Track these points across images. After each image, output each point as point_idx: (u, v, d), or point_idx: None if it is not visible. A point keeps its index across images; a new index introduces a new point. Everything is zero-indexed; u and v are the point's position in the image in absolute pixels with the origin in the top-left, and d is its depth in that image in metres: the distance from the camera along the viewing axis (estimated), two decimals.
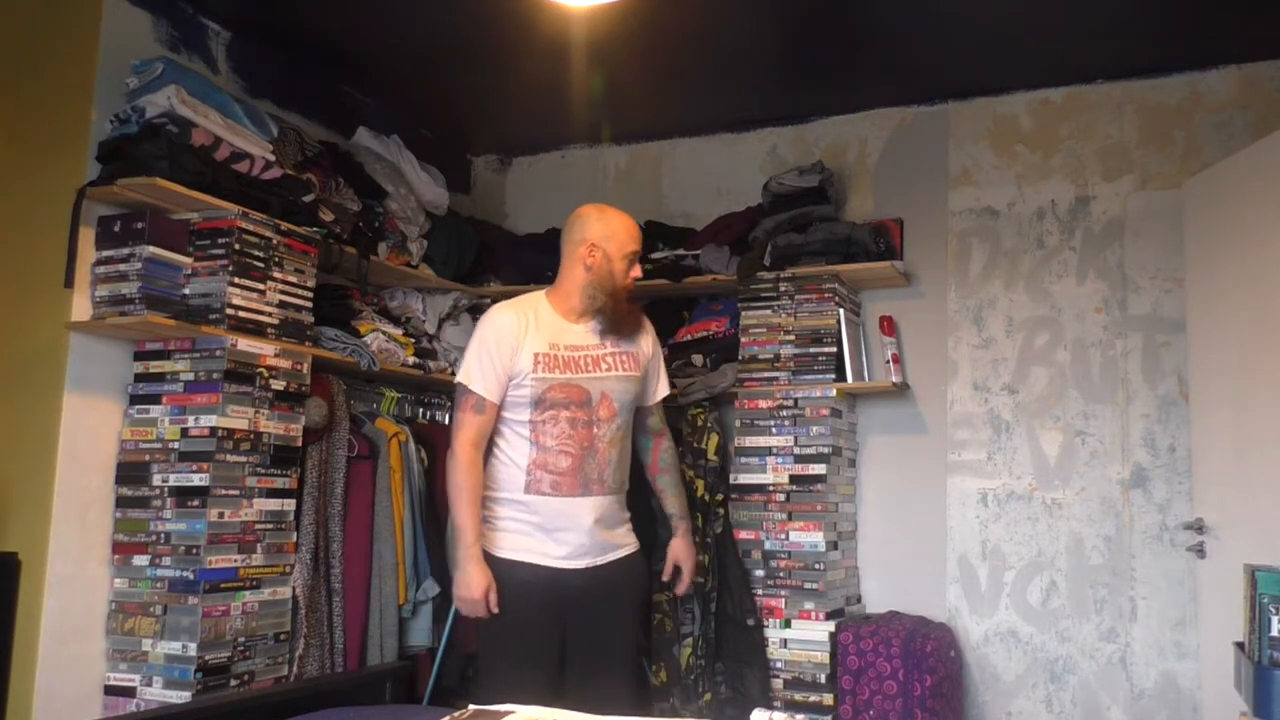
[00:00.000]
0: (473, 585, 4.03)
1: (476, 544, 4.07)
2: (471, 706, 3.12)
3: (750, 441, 5.57)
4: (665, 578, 4.60)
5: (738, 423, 5.63)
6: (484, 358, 4.16)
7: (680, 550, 4.57)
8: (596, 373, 4.22)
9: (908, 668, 5.00)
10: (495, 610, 4.04)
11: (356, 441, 5.10)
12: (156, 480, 4.45)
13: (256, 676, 4.48)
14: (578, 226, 4.34)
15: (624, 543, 4.31)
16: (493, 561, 4.11)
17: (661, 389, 4.60)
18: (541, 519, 4.12)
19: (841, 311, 5.59)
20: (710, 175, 6.53)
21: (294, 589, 4.70)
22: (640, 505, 4.68)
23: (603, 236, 4.29)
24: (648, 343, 4.48)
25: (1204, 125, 5.46)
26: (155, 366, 4.56)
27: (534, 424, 4.14)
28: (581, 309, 4.28)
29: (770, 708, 3.55)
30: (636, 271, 4.35)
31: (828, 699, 5.15)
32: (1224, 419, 4.91)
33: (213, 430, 4.40)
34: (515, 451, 4.17)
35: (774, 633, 5.30)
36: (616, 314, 4.29)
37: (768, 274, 5.69)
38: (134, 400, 4.57)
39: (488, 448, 4.22)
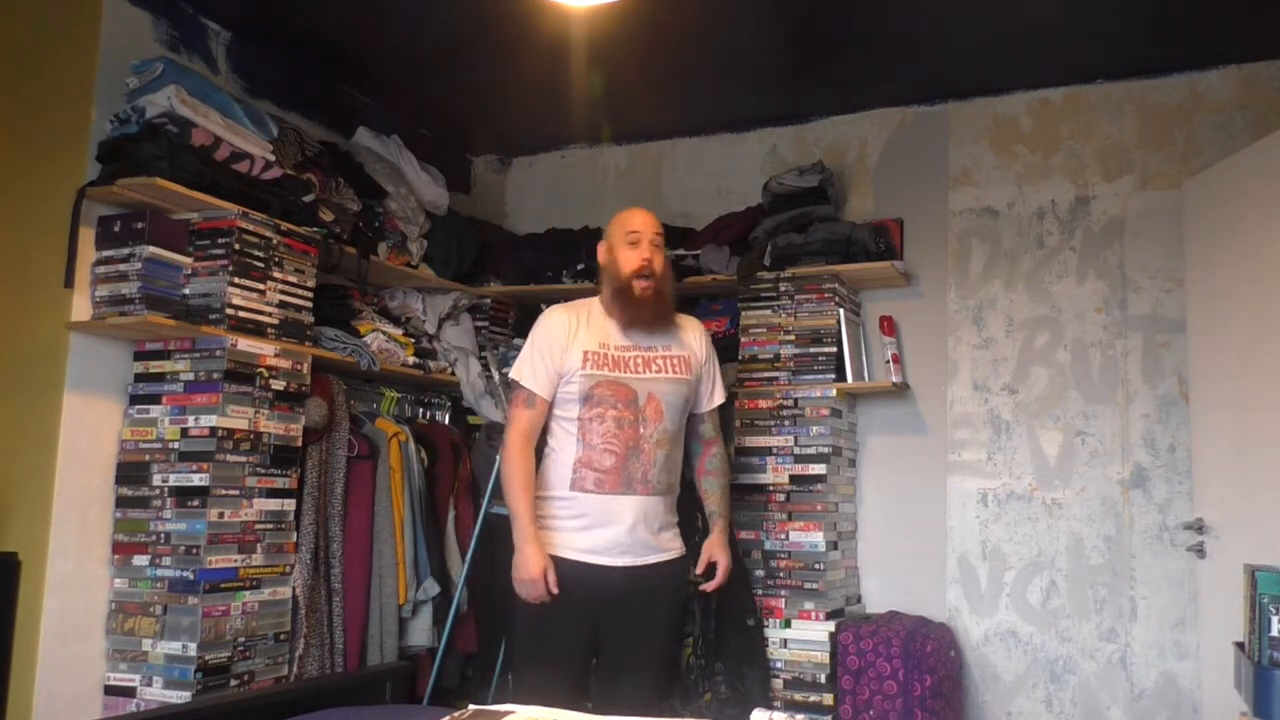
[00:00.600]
0: (531, 565, 4.04)
1: (532, 525, 4.10)
2: (472, 707, 3.12)
3: (750, 441, 5.57)
4: (699, 571, 4.57)
5: (738, 423, 5.62)
6: (536, 354, 4.24)
7: (716, 546, 4.56)
8: (646, 374, 4.23)
9: (908, 668, 5.00)
10: (555, 590, 4.04)
11: (356, 441, 5.10)
12: (156, 480, 4.45)
13: (256, 676, 4.49)
14: None
15: (668, 547, 4.30)
16: None
17: (715, 396, 4.57)
18: (583, 515, 4.15)
19: (841, 311, 5.58)
20: (710, 175, 6.54)
21: (294, 589, 4.70)
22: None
23: (607, 232, 4.40)
24: (699, 346, 4.48)
25: (1204, 125, 5.46)
26: (155, 366, 4.56)
27: (582, 421, 4.17)
28: (611, 308, 4.32)
29: (770, 708, 3.54)
30: (644, 252, 4.27)
31: (828, 699, 5.15)
32: (1224, 419, 4.91)
33: (213, 430, 4.40)
34: (563, 449, 4.21)
35: (774, 633, 5.31)
36: (627, 304, 4.26)
37: (768, 274, 5.69)
38: (134, 400, 4.57)
39: (541, 446, 4.28)
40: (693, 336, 4.47)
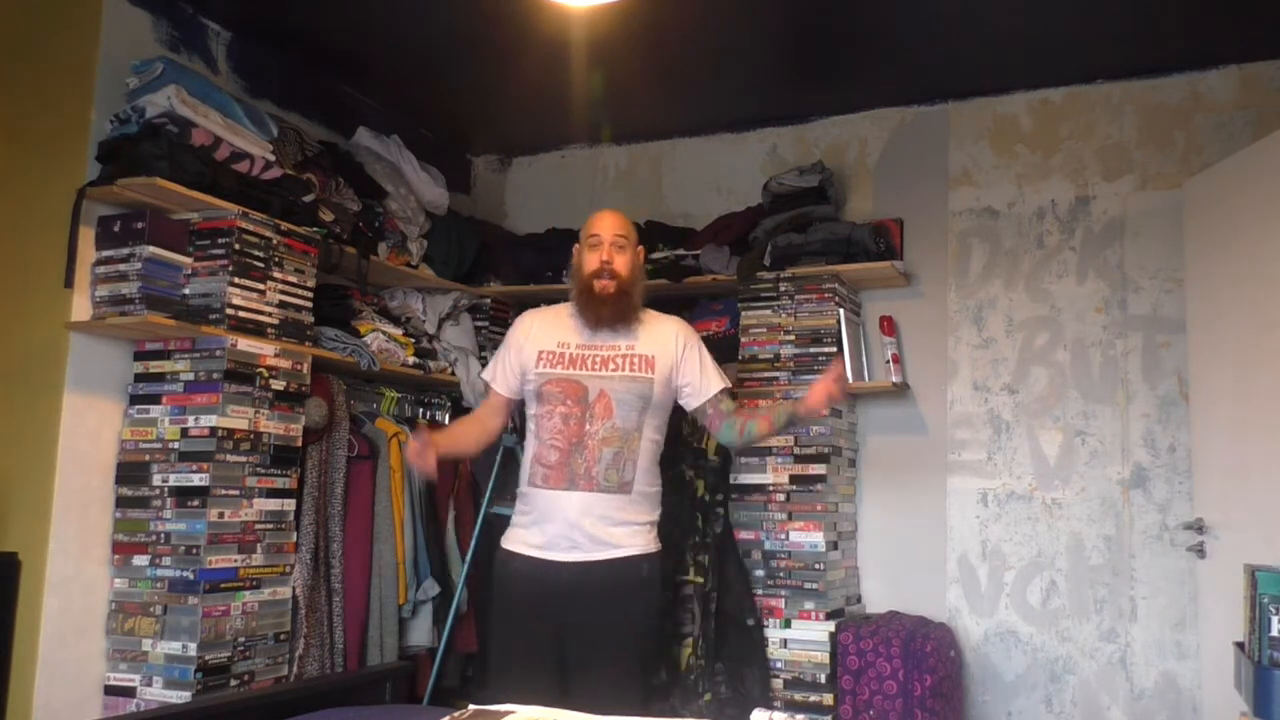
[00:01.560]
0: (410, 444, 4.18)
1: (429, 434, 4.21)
2: (471, 707, 3.12)
3: None
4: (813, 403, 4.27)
5: None
6: (500, 353, 4.43)
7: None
8: (602, 371, 4.22)
9: (908, 668, 4.99)
10: (431, 466, 4.13)
11: (356, 441, 5.11)
12: (156, 480, 4.45)
13: (256, 676, 4.49)
14: None
15: (625, 543, 4.20)
16: (499, 555, 4.29)
17: (709, 384, 4.41)
18: (533, 510, 4.19)
19: (841, 311, 5.58)
20: (710, 175, 6.53)
21: (294, 589, 4.70)
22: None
23: (580, 237, 4.44)
24: (672, 343, 4.37)
25: (1204, 125, 5.45)
26: (155, 366, 4.56)
27: (537, 418, 4.23)
28: (575, 309, 4.36)
29: (770, 708, 3.53)
30: (603, 253, 4.28)
31: (828, 699, 5.15)
32: (1224, 419, 4.91)
33: (213, 430, 4.40)
34: (529, 448, 4.27)
35: (774, 633, 5.30)
36: (588, 304, 4.29)
37: (768, 274, 5.69)
38: (134, 400, 4.57)
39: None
40: (665, 334, 4.39)
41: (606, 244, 4.29)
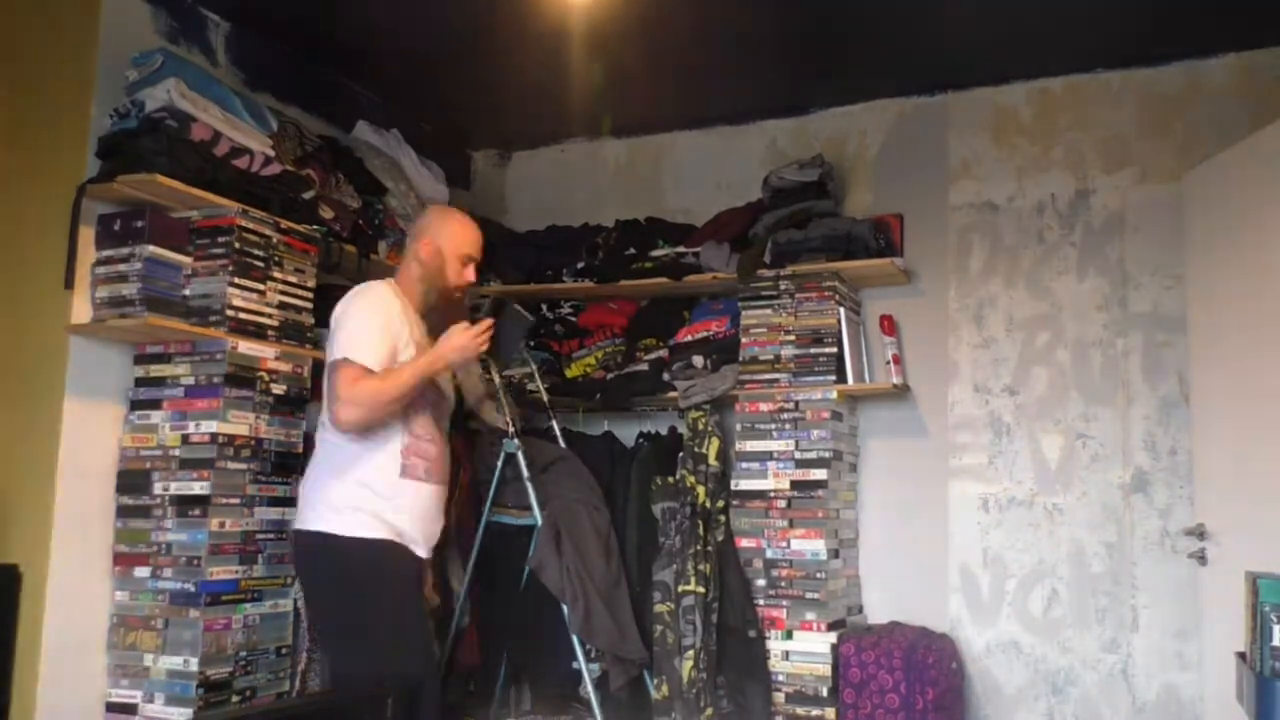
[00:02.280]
0: (454, 335, 4.10)
1: (420, 360, 4.05)
2: None
3: (751, 446, 5.53)
4: None
5: (738, 426, 5.60)
6: (376, 334, 4.00)
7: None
8: None
9: (910, 680, 4.97)
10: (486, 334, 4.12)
11: None
12: (157, 489, 4.41)
13: (258, 692, 4.44)
14: (421, 223, 4.45)
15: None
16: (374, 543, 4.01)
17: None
18: (412, 506, 4.10)
19: (842, 310, 5.55)
20: (710, 169, 6.48)
21: (295, 601, 4.64)
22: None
23: (440, 236, 4.33)
24: None
25: (1203, 115, 5.42)
26: (155, 370, 4.52)
27: (407, 415, 4.10)
28: (418, 304, 4.31)
29: None
30: (470, 275, 4.38)
31: (830, 713, 5.12)
32: (1225, 421, 4.89)
33: (213, 437, 4.36)
34: (388, 439, 4.06)
35: (776, 644, 5.28)
36: (439, 311, 4.34)
37: (768, 272, 5.66)
38: (134, 405, 4.52)
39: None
40: None
41: (473, 265, 4.41)
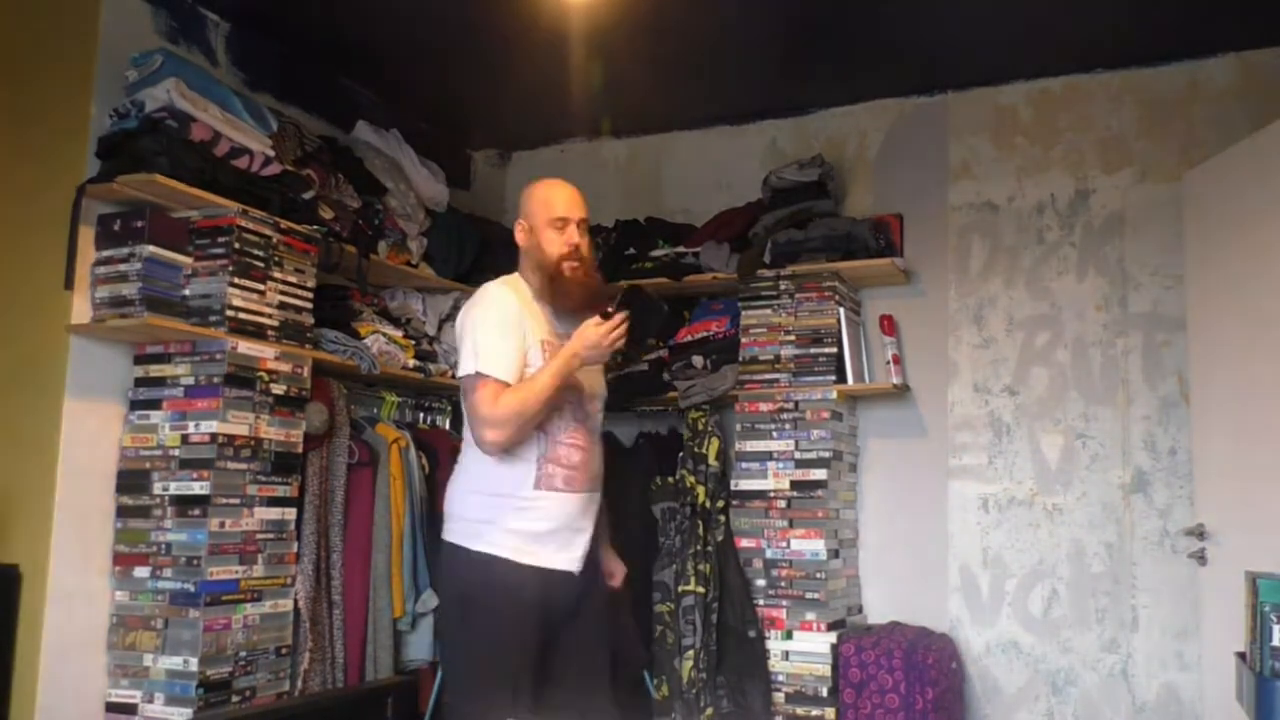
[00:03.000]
0: (589, 332, 3.72)
1: (554, 362, 3.72)
2: None
3: (751, 446, 5.54)
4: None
5: (738, 426, 5.60)
6: (503, 342, 3.75)
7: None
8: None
9: (909, 680, 4.96)
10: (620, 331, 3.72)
11: (357, 448, 5.03)
12: (157, 489, 4.39)
13: (258, 692, 4.43)
14: (519, 208, 4.10)
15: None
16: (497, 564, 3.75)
17: None
18: (551, 517, 3.80)
19: (842, 310, 5.56)
20: (710, 169, 6.48)
21: (296, 601, 4.64)
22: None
23: (527, 210, 4.02)
24: None
25: (1203, 115, 5.42)
26: (155, 370, 4.50)
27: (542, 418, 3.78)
28: (542, 292, 3.95)
29: None
30: (570, 238, 3.91)
31: (829, 713, 5.12)
32: (1225, 420, 4.88)
33: (213, 436, 4.34)
34: (522, 446, 3.80)
35: (775, 644, 5.28)
36: (556, 291, 3.93)
37: (768, 272, 5.67)
38: (134, 406, 4.51)
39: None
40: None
41: (574, 226, 3.94)
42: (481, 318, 3.80)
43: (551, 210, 3.93)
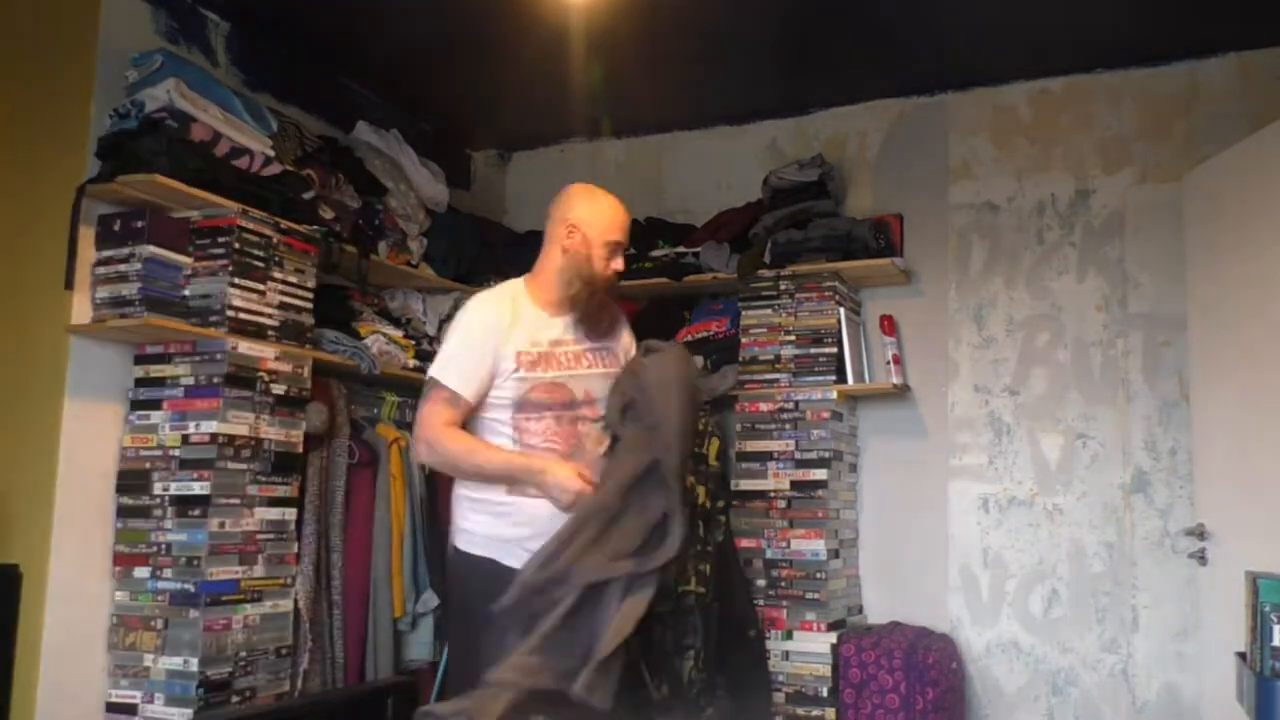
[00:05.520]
0: (561, 472, 3.55)
1: (526, 457, 3.67)
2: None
3: (751, 446, 5.54)
4: None
5: (738, 426, 5.60)
6: (465, 353, 3.74)
7: None
8: (578, 370, 3.83)
9: (910, 680, 4.96)
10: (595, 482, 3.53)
11: (357, 448, 5.04)
12: (157, 489, 4.40)
13: (258, 692, 4.43)
14: (562, 205, 4.01)
15: None
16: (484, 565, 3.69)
17: None
18: (525, 523, 3.66)
19: (842, 311, 5.56)
20: (710, 169, 6.47)
21: (296, 601, 4.64)
22: None
23: (585, 220, 3.89)
24: (628, 340, 4.10)
25: (1203, 115, 5.42)
26: (156, 371, 4.50)
27: (517, 424, 3.75)
28: (558, 298, 3.87)
29: None
30: (618, 264, 3.91)
31: (830, 714, 5.12)
32: (1225, 420, 4.88)
33: (213, 437, 4.34)
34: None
35: (775, 644, 5.29)
36: (591, 306, 3.88)
37: (768, 272, 5.67)
38: (134, 406, 4.51)
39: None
40: (625, 330, 4.12)
41: (621, 251, 3.95)
42: (461, 322, 3.84)
43: (613, 233, 3.89)
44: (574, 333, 3.88)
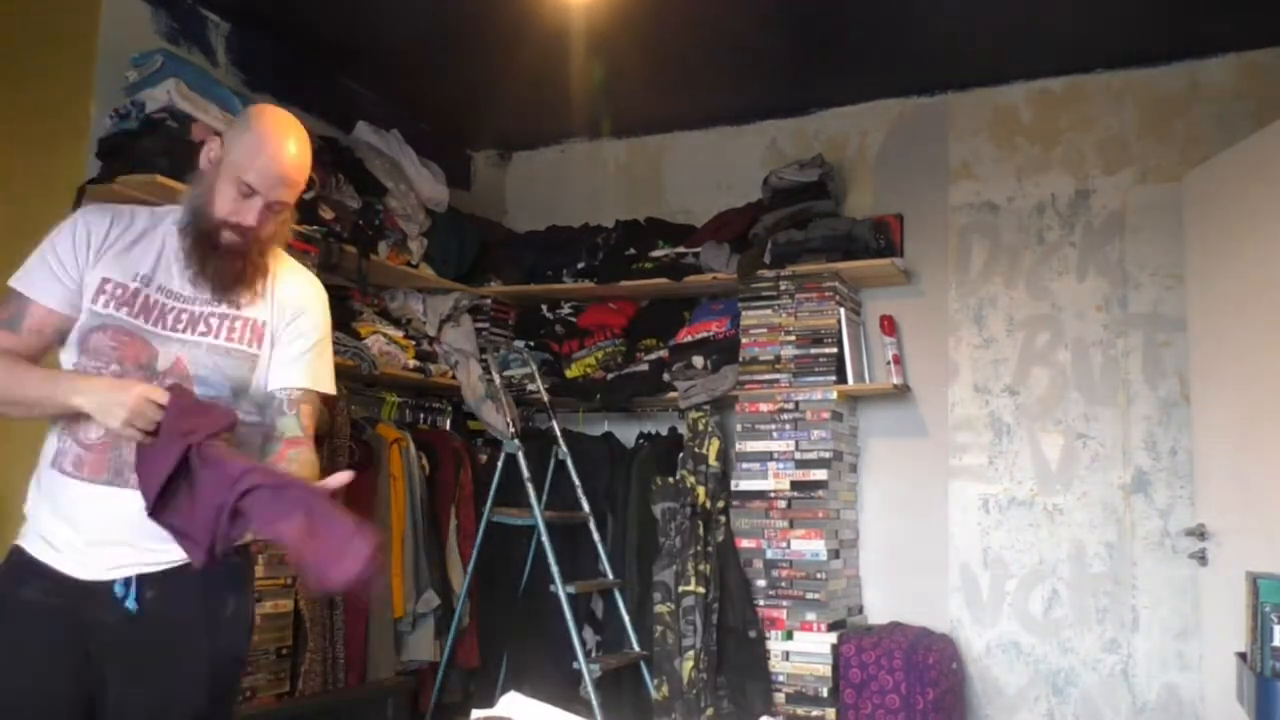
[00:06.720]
0: (118, 386, 2.59)
1: (72, 376, 2.73)
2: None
3: (751, 446, 5.53)
4: None
5: (738, 427, 5.60)
6: (47, 258, 2.76)
7: None
8: (183, 334, 2.79)
9: (910, 680, 4.96)
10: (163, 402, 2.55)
11: (357, 448, 5.02)
12: None
13: (258, 692, 4.40)
14: (239, 116, 3.31)
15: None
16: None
17: (291, 376, 2.97)
18: (58, 507, 2.78)
19: (842, 311, 5.55)
20: (710, 169, 6.48)
21: (297, 601, 4.63)
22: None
23: (232, 139, 2.79)
24: (291, 315, 2.98)
25: (1204, 115, 5.42)
26: None
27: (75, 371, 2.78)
28: (182, 219, 2.83)
29: None
30: (247, 216, 2.74)
31: (830, 714, 5.12)
32: (1225, 421, 4.87)
33: None
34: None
35: (776, 644, 5.28)
36: (197, 248, 2.77)
37: (768, 272, 5.66)
38: None
39: None
40: (293, 295, 3.01)
41: (260, 203, 2.77)
42: (60, 226, 2.84)
43: (251, 170, 2.73)
44: (198, 289, 2.84)
